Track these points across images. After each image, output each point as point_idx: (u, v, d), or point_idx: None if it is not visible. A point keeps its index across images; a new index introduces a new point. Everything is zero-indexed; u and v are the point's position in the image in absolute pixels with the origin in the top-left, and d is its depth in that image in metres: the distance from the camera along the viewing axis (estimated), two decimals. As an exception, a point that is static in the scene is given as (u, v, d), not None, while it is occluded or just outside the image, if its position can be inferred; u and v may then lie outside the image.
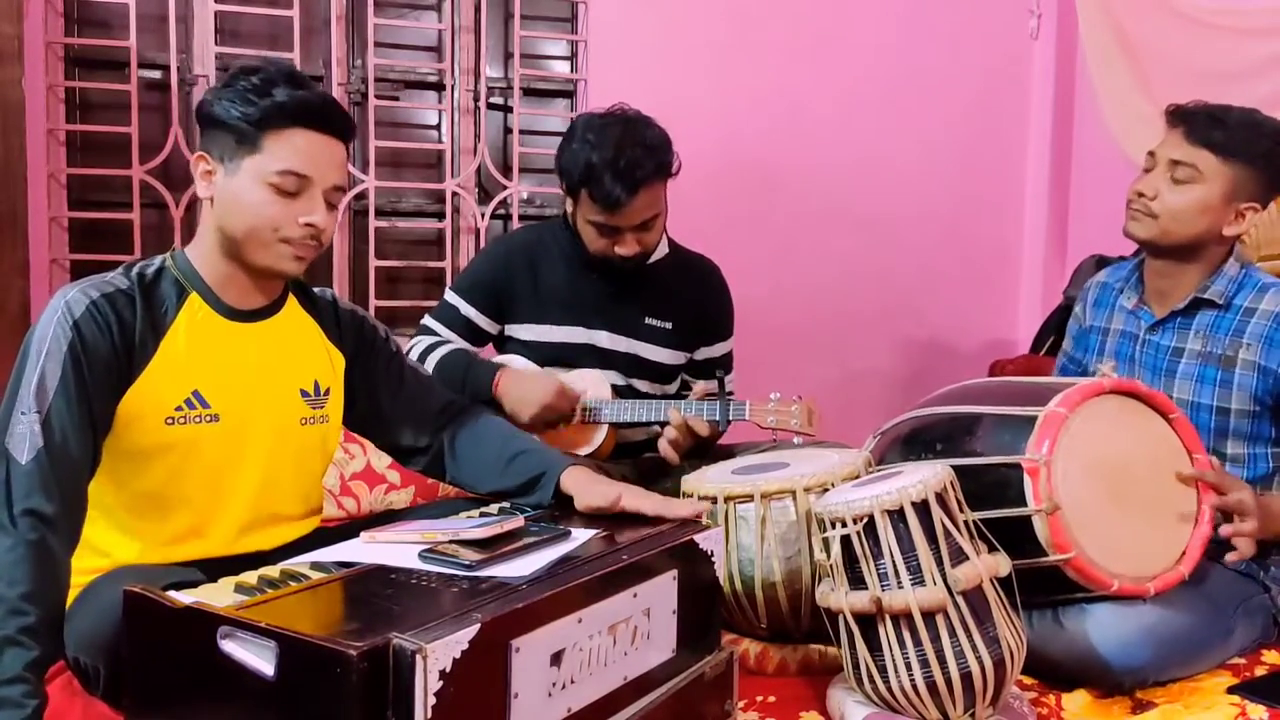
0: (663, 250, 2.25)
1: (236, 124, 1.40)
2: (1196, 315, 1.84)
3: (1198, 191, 1.79)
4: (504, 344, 2.27)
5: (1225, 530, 1.61)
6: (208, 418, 1.43)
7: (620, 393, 2.20)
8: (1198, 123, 1.80)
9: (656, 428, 2.21)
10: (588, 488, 1.50)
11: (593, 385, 2.17)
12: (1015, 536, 1.53)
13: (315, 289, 1.64)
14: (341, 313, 1.63)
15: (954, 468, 1.54)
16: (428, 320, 2.25)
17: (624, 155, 1.98)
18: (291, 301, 1.57)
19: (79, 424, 1.31)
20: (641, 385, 2.24)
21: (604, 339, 2.20)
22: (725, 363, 2.35)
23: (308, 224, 1.42)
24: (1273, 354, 1.75)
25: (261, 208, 1.41)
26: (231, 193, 1.42)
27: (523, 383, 2.07)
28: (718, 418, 2.02)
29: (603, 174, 1.98)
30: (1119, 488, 1.59)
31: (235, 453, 1.46)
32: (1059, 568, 1.53)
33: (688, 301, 2.26)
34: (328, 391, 1.57)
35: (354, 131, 1.51)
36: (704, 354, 2.31)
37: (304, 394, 1.54)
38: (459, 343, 2.21)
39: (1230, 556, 1.62)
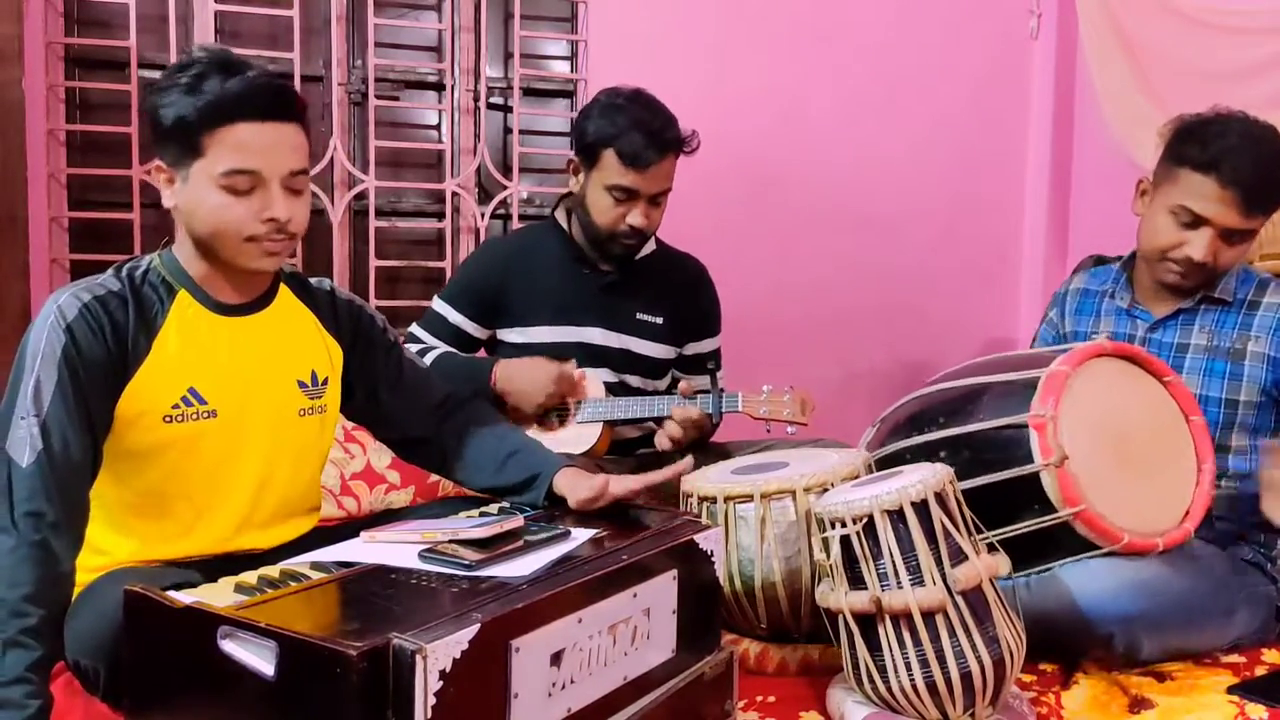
0: (650, 247, 2.27)
1: (175, 129, 1.36)
2: (1200, 311, 1.86)
3: (1248, 245, 1.82)
4: (494, 348, 2.27)
5: None
6: (205, 414, 1.43)
7: (613, 389, 2.20)
8: (1254, 192, 1.75)
9: (651, 424, 2.22)
10: (579, 486, 1.50)
11: (588, 385, 2.18)
12: (1023, 498, 1.55)
13: (312, 279, 1.63)
14: (339, 303, 1.62)
15: (960, 437, 1.57)
16: (415, 329, 2.26)
17: (656, 118, 2.07)
18: (284, 292, 1.56)
19: (77, 427, 1.31)
20: (633, 381, 2.25)
21: (596, 335, 2.21)
22: (714, 360, 2.36)
23: (269, 219, 1.39)
24: None
25: (218, 212, 1.38)
26: (189, 200, 1.39)
27: (522, 374, 2.10)
28: (711, 411, 2.04)
29: (635, 130, 2.05)
30: (1121, 447, 1.62)
31: (234, 447, 1.47)
32: (1068, 525, 1.54)
33: (678, 297, 2.28)
34: (325, 381, 1.57)
35: (302, 109, 1.44)
36: (692, 349, 2.33)
37: (301, 385, 1.53)
38: (445, 348, 2.22)
39: None
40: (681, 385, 2.11)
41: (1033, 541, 1.52)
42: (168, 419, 1.40)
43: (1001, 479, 1.55)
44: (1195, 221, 1.78)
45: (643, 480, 1.48)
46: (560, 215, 2.27)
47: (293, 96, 1.44)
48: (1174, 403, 1.70)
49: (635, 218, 2.10)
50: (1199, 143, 1.77)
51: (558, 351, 2.18)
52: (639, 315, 2.24)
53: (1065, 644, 1.63)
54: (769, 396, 2.03)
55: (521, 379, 2.10)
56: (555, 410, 2.16)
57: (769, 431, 2.11)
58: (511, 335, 2.23)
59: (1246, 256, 1.89)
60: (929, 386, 1.84)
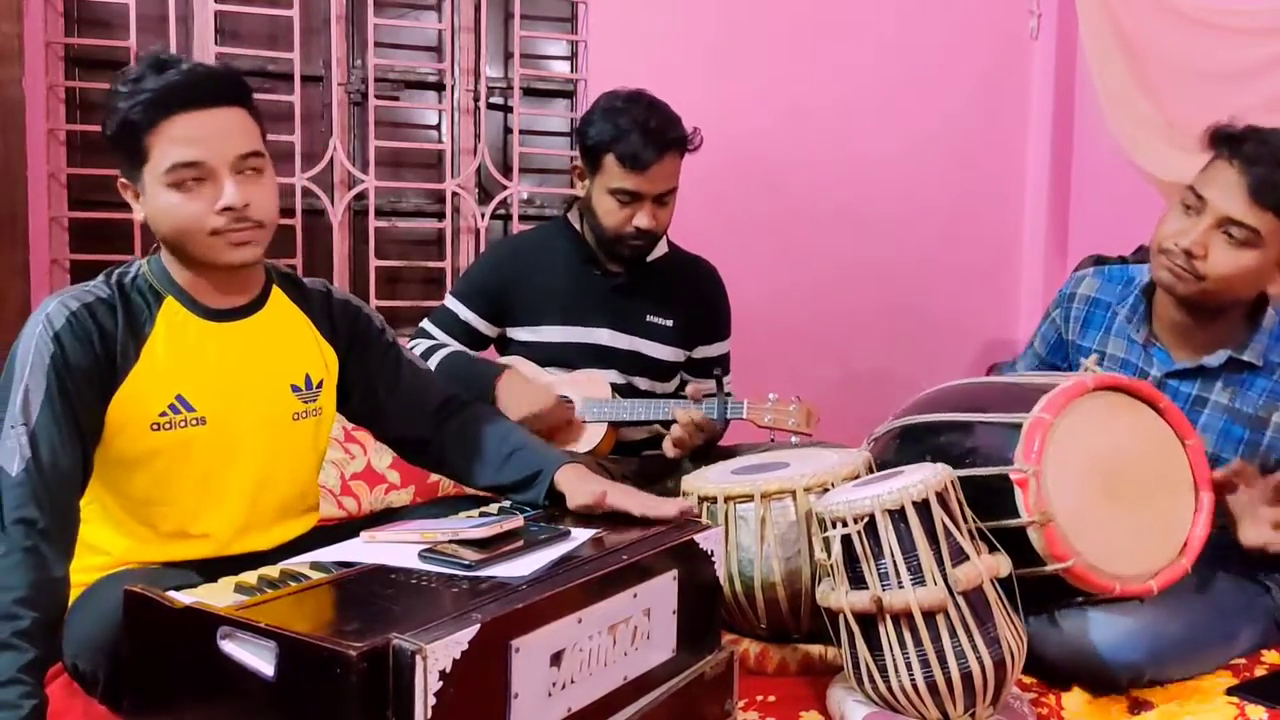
0: (662, 249, 2.26)
1: (120, 138, 1.36)
2: (1223, 374, 1.71)
3: (1254, 257, 1.60)
4: (505, 347, 2.27)
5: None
6: (194, 421, 1.42)
7: (620, 391, 2.20)
8: (1265, 178, 1.57)
9: (657, 426, 2.22)
10: (578, 486, 1.50)
11: (592, 386, 2.18)
12: (1015, 545, 1.51)
13: (308, 280, 1.61)
14: (335, 304, 1.61)
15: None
16: (426, 325, 2.26)
17: (654, 118, 2.07)
18: (277, 295, 1.54)
19: (66, 436, 1.30)
20: (641, 383, 2.25)
21: (606, 336, 2.21)
22: (722, 364, 2.35)
23: (224, 208, 1.36)
24: None
25: (173, 211, 1.36)
26: (151, 208, 1.39)
27: (518, 391, 2.08)
28: (715, 416, 2.03)
29: (632, 132, 2.05)
30: (1114, 486, 1.56)
31: (226, 454, 1.46)
32: (1059, 575, 1.51)
33: (688, 299, 2.28)
34: (320, 384, 1.56)
35: (243, 91, 1.40)
36: (701, 353, 2.33)
37: (295, 389, 1.53)
38: (456, 346, 2.21)
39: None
40: (690, 388, 2.09)
41: (1025, 584, 1.49)
42: (155, 426, 1.39)
43: (990, 528, 1.50)
44: (1198, 204, 1.63)
45: (642, 507, 1.43)
46: (573, 216, 2.27)
47: (229, 79, 1.41)
48: (1168, 428, 1.62)
49: (642, 219, 2.10)
50: (1237, 131, 1.64)
51: (567, 353, 2.18)
52: (649, 317, 2.24)
53: (1065, 678, 1.60)
54: (774, 405, 2.02)
55: (515, 397, 2.06)
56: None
57: (773, 441, 2.10)
58: (521, 334, 2.23)
59: (1269, 284, 1.70)
60: (917, 412, 1.75)
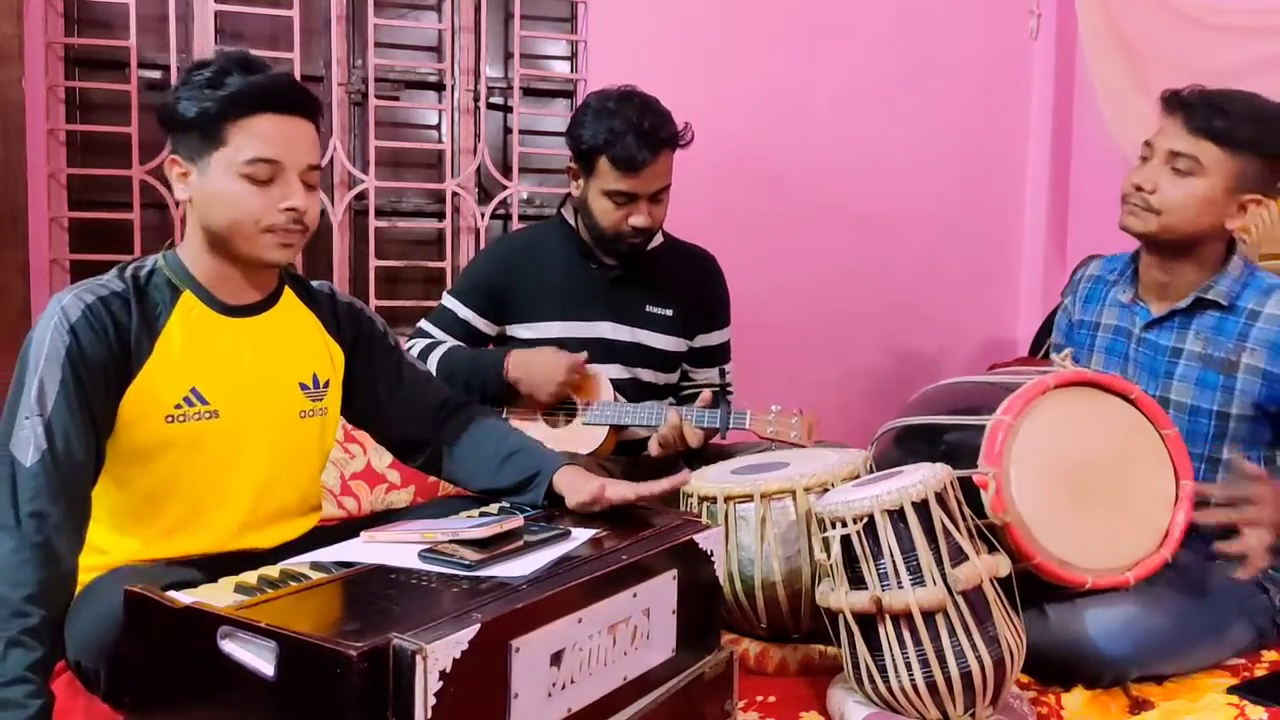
0: (658, 239, 2.27)
1: (197, 120, 1.39)
2: (1197, 315, 1.78)
3: (1199, 185, 1.73)
4: (504, 345, 2.28)
5: (1227, 547, 1.53)
6: (207, 414, 1.43)
7: (624, 386, 2.21)
8: (1197, 111, 1.73)
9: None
10: (577, 486, 1.50)
11: (597, 384, 2.18)
12: (1001, 541, 1.52)
13: (314, 282, 1.64)
14: (340, 306, 1.63)
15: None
16: (424, 324, 2.27)
17: (645, 119, 2.08)
18: (288, 294, 1.56)
19: (81, 427, 1.32)
20: (646, 375, 2.25)
21: (607, 329, 2.22)
22: (723, 352, 2.37)
23: (288, 209, 1.41)
24: (1278, 360, 1.71)
25: (238, 200, 1.40)
26: (207, 191, 1.41)
27: (536, 363, 2.12)
28: (718, 425, 2.04)
29: (626, 135, 2.06)
30: (1083, 483, 1.57)
31: (235, 449, 1.47)
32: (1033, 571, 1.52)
33: (687, 288, 2.29)
34: (327, 384, 1.57)
35: (320, 109, 1.50)
36: (702, 341, 2.33)
37: (303, 387, 1.54)
38: (454, 342, 2.22)
39: (1240, 574, 1.53)
40: (704, 396, 2.09)
41: (1024, 578, 1.50)
42: (169, 419, 1.41)
43: (977, 526, 1.51)
44: (1149, 151, 1.78)
45: (638, 490, 1.46)
46: (567, 212, 2.27)
47: (312, 96, 1.49)
48: (1142, 418, 1.62)
49: (638, 218, 2.11)
50: (1183, 89, 1.79)
51: (569, 348, 2.18)
52: (648, 308, 2.25)
53: (1054, 670, 1.60)
54: (777, 417, 2.02)
55: (535, 367, 2.11)
56: (563, 408, 2.17)
57: (774, 449, 2.11)
58: (521, 331, 2.23)
59: (1244, 254, 1.80)
60: (913, 414, 1.78)
